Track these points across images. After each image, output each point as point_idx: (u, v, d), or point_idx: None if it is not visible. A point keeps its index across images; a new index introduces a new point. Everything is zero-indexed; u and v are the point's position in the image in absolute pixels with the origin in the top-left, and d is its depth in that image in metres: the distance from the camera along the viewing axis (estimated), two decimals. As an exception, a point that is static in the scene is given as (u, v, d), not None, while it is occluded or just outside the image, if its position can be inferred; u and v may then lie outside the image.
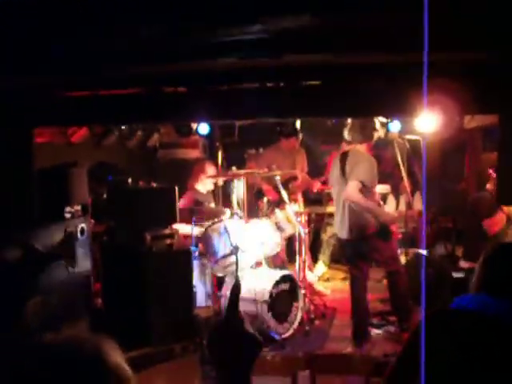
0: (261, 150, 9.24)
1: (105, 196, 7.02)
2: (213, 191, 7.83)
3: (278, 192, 6.89)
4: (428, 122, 5.28)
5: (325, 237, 8.66)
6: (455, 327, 2.33)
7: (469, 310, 2.34)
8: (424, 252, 6.94)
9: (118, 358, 1.39)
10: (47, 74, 4.44)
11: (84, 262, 5.80)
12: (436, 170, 8.10)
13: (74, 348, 1.36)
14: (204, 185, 7.49)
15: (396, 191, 8.54)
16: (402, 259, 7.22)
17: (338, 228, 6.03)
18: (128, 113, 5.52)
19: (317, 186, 8.33)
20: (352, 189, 5.62)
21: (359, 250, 5.85)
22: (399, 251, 6.65)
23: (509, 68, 4.06)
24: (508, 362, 2.19)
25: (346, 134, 5.94)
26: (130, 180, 7.10)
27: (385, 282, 6.69)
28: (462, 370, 2.23)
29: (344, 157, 5.89)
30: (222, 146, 8.50)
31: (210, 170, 7.48)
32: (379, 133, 5.99)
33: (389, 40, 3.53)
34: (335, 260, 8.52)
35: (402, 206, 8.35)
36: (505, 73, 4.13)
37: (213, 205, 7.64)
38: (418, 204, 8.00)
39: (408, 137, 6.67)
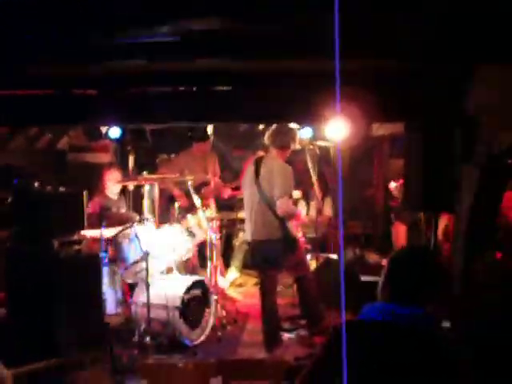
0: (173, 155, 9.16)
1: (9, 200, 6.75)
2: (124, 196, 7.70)
3: (190, 197, 6.84)
4: (337, 129, 5.38)
5: (236, 242, 8.68)
6: (367, 340, 2.28)
7: (380, 321, 2.30)
8: (333, 256, 7.09)
9: None
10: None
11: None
12: (345, 177, 8.28)
13: None
14: (113, 190, 7.36)
15: (306, 197, 8.67)
16: (313, 264, 7.33)
17: (247, 230, 6.08)
18: (35, 114, 5.34)
19: (228, 192, 8.33)
20: (287, 205, 5.71)
21: (266, 252, 5.89)
22: (309, 256, 6.74)
23: (415, 77, 4.20)
24: (424, 372, 2.16)
25: (266, 139, 6.00)
26: (36, 184, 6.87)
27: (294, 286, 6.76)
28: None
29: (258, 162, 5.95)
30: (134, 150, 8.38)
31: (115, 175, 7.35)
32: (296, 145, 6.06)
33: (300, 46, 3.57)
34: (247, 266, 8.54)
35: (313, 212, 8.48)
36: (410, 82, 4.26)
37: (124, 210, 7.51)
38: (328, 210, 8.15)
39: (319, 143, 6.79)
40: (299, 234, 6.07)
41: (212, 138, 8.04)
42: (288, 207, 5.75)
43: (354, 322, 2.36)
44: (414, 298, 2.28)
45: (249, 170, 6.08)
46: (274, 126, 5.99)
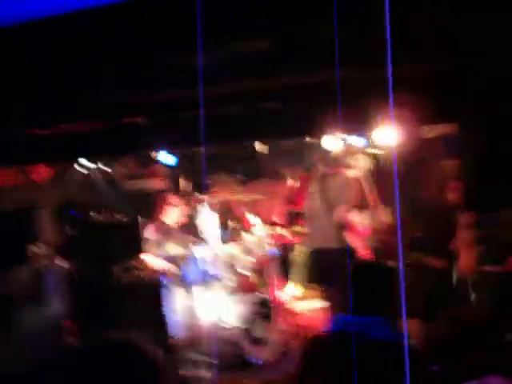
0: (224, 175, 9.23)
1: (70, 232, 6.91)
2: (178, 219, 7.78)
3: (244, 215, 6.91)
4: (389, 135, 5.35)
5: (295, 257, 8.65)
6: (334, 350, 2.34)
7: (343, 331, 2.37)
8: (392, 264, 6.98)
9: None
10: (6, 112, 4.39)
11: (54, 301, 5.68)
12: (400, 182, 8.19)
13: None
14: (169, 215, 7.41)
15: (363, 205, 8.58)
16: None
17: (311, 240, 6.09)
18: (88, 147, 5.47)
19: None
20: (343, 213, 5.71)
21: (329, 264, 5.86)
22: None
23: (465, 77, 4.14)
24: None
25: (317, 160, 6.05)
26: (94, 214, 7.02)
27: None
28: None
29: (323, 178, 6.00)
30: (186, 173, 8.47)
31: (170, 200, 7.41)
32: (358, 163, 6.10)
33: (348, 55, 3.56)
34: (307, 279, 8.49)
35: (369, 220, 8.39)
36: (461, 82, 4.21)
37: (179, 234, 7.57)
38: (385, 217, 8.05)
39: (371, 151, 6.73)
40: (361, 245, 6.02)
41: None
42: (344, 215, 5.72)
43: (324, 335, 2.49)
44: (372, 308, 2.44)
45: (312, 184, 6.12)
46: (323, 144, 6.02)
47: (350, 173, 6.12)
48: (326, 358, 2.32)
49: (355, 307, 2.43)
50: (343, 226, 5.75)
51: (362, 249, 5.94)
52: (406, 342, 1.59)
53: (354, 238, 5.86)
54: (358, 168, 6.36)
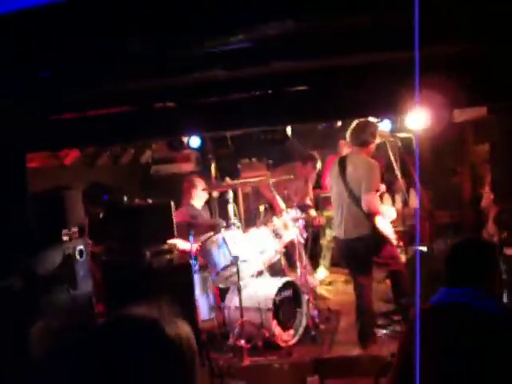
0: (253, 159, 9.27)
1: (101, 216, 6.99)
2: (208, 203, 7.83)
3: (275, 198, 6.94)
4: (418, 118, 5.30)
5: (324, 241, 8.67)
6: (438, 321, 2.55)
7: (447, 303, 2.60)
8: (423, 248, 6.95)
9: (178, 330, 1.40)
10: (34, 97, 4.44)
11: (85, 284, 5.76)
12: (429, 166, 8.12)
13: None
14: (198, 198, 7.47)
15: (391, 190, 8.55)
16: (403, 257, 7.21)
17: (337, 228, 6.06)
18: (118, 132, 5.52)
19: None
20: (371, 199, 5.68)
21: (357, 250, 5.85)
22: (399, 250, 6.64)
23: (494, 60, 4.08)
24: (485, 341, 2.42)
25: (347, 137, 5.99)
26: (125, 198, 7.09)
27: (387, 281, 6.69)
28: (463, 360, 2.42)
29: (343, 160, 5.95)
30: (215, 157, 8.52)
31: (200, 184, 7.46)
32: (379, 139, 6.03)
33: (374, 38, 3.54)
34: (336, 263, 8.50)
35: (398, 204, 8.36)
36: (491, 64, 4.15)
37: (207, 218, 7.63)
38: (414, 201, 8.01)
39: (399, 135, 6.69)
40: (391, 230, 5.97)
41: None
42: (373, 203, 5.70)
43: (427, 307, 2.66)
44: (473, 280, 2.58)
45: (334, 168, 6.07)
46: (354, 123, 5.96)
47: (375, 156, 6.04)
48: (433, 326, 2.51)
49: (457, 280, 2.62)
50: (371, 214, 5.71)
51: (392, 235, 5.89)
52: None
53: (384, 223, 5.82)
54: (386, 152, 6.31)
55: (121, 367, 1.31)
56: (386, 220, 5.90)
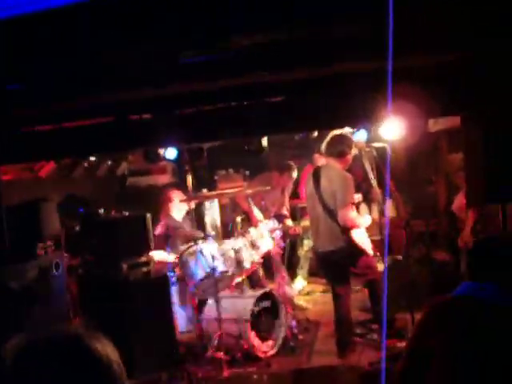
0: (230, 170, 9.26)
1: (77, 229, 6.94)
2: (187, 214, 7.81)
3: (252, 210, 6.94)
4: (393, 128, 5.34)
5: (301, 251, 8.67)
6: (460, 313, 2.61)
7: (468, 296, 2.64)
8: (399, 257, 7.00)
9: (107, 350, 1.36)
10: (7, 109, 4.40)
11: (61, 297, 5.71)
12: (405, 175, 8.19)
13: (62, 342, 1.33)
14: (177, 211, 7.44)
15: (367, 199, 8.59)
16: (380, 266, 7.24)
17: (314, 241, 6.08)
18: (94, 144, 5.49)
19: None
20: (347, 216, 5.68)
21: (334, 262, 5.87)
22: (376, 259, 6.67)
23: (469, 70, 4.13)
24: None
25: (323, 148, 6.01)
26: (101, 210, 7.04)
27: (364, 290, 6.71)
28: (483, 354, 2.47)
29: (318, 172, 5.96)
30: (192, 169, 8.51)
31: (177, 196, 7.44)
32: (355, 151, 6.06)
33: (349, 49, 3.57)
34: (313, 273, 8.51)
35: (375, 214, 8.39)
36: (465, 74, 4.20)
37: (188, 229, 7.60)
38: (391, 210, 8.05)
39: (375, 144, 6.74)
40: (367, 241, 5.99)
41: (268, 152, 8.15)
42: (349, 218, 5.72)
43: (447, 299, 2.73)
44: (493, 276, 2.61)
45: (309, 181, 6.08)
46: (330, 135, 5.99)
47: (351, 166, 6.07)
48: (449, 318, 2.59)
49: (478, 275, 2.66)
50: (347, 228, 5.73)
51: (368, 245, 5.92)
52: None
53: (360, 235, 5.85)
54: (361, 161, 6.34)
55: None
56: (362, 230, 5.93)
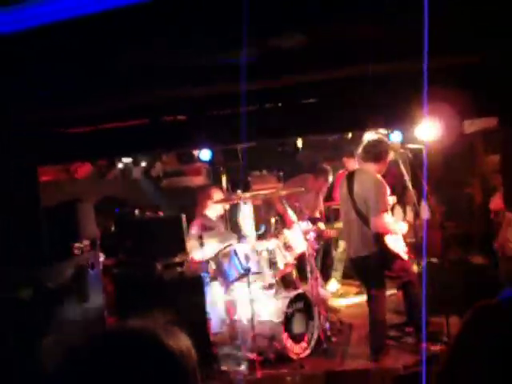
0: (264, 171, 9.28)
1: (113, 229, 7.03)
2: (221, 216, 7.84)
3: (286, 211, 6.94)
4: (429, 130, 5.30)
5: (336, 253, 8.65)
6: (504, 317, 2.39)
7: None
8: (434, 260, 6.92)
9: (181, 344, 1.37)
10: (46, 111, 4.48)
11: (96, 297, 5.79)
12: (441, 177, 8.11)
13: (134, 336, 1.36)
14: (213, 210, 7.47)
15: (402, 201, 8.52)
16: (415, 269, 7.18)
17: (347, 246, 6.06)
18: (129, 145, 5.56)
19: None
20: (380, 224, 5.65)
21: (368, 267, 5.82)
22: (411, 261, 6.62)
23: (504, 70, 4.08)
24: None
25: (360, 153, 5.96)
26: (136, 211, 7.12)
27: (398, 293, 6.65)
28: None
29: (351, 177, 5.90)
30: (226, 170, 8.54)
31: (217, 195, 7.46)
32: (392, 155, 6.00)
33: (383, 50, 3.55)
34: (347, 276, 8.48)
35: (410, 216, 8.33)
36: (501, 75, 4.15)
37: (222, 230, 7.63)
38: (425, 212, 7.97)
39: (410, 146, 6.69)
40: (402, 246, 5.93)
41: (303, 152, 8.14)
42: (381, 226, 5.66)
43: (492, 303, 2.51)
44: None
45: (342, 185, 6.03)
46: (366, 139, 5.94)
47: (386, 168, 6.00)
48: (495, 322, 2.44)
49: None
50: (380, 234, 5.68)
51: (402, 250, 5.86)
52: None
53: (393, 241, 5.80)
54: (396, 163, 6.28)
55: (121, 381, 1.28)
56: (397, 237, 5.87)
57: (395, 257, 5.80)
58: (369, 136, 6.29)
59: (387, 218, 5.74)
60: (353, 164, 7.02)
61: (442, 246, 6.59)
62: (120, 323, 1.43)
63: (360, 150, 5.93)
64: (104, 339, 1.36)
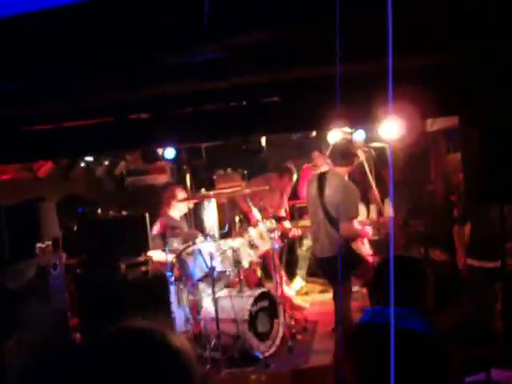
0: (229, 170, 9.27)
1: (75, 228, 6.94)
2: (185, 215, 7.80)
3: (250, 210, 6.93)
4: (391, 128, 5.34)
5: (300, 251, 8.68)
6: (372, 341, 2.49)
7: (378, 323, 2.54)
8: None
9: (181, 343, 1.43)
10: (6, 108, 4.40)
11: (59, 297, 5.71)
12: (403, 175, 8.19)
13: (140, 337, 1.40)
14: (177, 210, 7.43)
15: (365, 199, 8.59)
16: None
17: (314, 246, 6.08)
18: (93, 143, 5.48)
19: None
20: (349, 230, 5.68)
21: (333, 268, 5.84)
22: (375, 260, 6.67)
23: (465, 71, 4.14)
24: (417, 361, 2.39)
25: (328, 157, 6.00)
26: (99, 210, 7.04)
27: (363, 290, 6.71)
28: None
29: (322, 178, 5.91)
30: (190, 168, 8.49)
31: (180, 194, 7.43)
32: (360, 158, 6.05)
33: (348, 48, 3.56)
34: (312, 274, 8.51)
35: (373, 214, 8.40)
36: (462, 76, 4.20)
37: (186, 229, 7.59)
38: (389, 211, 8.06)
39: (373, 145, 6.74)
40: (367, 249, 5.98)
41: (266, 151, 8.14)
42: (350, 232, 5.69)
43: (360, 326, 2.70)
44: (402, 301, 2.45)
45: (312, 185, 6.03)
46: (333, 140, 5.99)
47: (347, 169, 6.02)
48: (360, 347, 2.54)
49: (384, 299, 2.56)
50: (350, 239, 5.72)
51: (368, 253, 5.91)
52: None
53: (360, 244, 5.84)
54: (361, 162, 6.32)
55: (130, 378, 1.32)
56: (363, 240, 5.92)
57: (361, 259, 5.84)
58: (334, 135, 6.33)
59: (356, 224, 5.79)
60: (322, 161, 7.04)
61: (405, 244, 6.66)
62: (126, 323, 1.46)
63: (329, 153, 5.97)
64: (115, 337, 1.41)
